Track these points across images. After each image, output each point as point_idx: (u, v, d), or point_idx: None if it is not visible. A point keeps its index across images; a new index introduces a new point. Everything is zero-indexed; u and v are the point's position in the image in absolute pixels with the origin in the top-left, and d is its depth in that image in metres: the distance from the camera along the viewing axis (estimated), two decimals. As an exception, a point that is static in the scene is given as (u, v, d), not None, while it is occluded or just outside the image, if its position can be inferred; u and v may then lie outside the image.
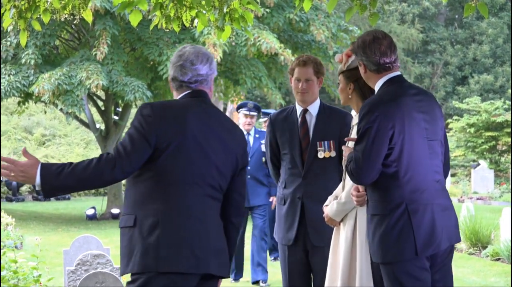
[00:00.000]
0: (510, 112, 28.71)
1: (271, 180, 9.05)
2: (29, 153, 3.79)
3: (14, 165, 3.68)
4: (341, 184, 4.96)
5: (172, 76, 3.95)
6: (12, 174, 3.67)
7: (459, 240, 4.27)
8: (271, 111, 10.18)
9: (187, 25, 6.05)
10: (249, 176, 9.21)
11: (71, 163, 3.68)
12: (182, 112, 3.81)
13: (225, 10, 5.94)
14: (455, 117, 30.83)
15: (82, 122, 20.15)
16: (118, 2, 5.83)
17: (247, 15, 6.06)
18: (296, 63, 5.58)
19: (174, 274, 3.66)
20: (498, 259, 10.95)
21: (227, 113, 34.57)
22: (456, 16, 46.07)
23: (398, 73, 4.21)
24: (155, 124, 3.73)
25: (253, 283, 9.39)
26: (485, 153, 29.35)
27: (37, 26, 6.13)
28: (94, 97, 19.77)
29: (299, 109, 5.64)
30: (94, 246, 7.32)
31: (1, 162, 3.67)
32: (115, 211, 18.60)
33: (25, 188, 25.32)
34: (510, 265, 10.31)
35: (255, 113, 9.49)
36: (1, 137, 27.69)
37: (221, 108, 37.34)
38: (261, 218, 9.39)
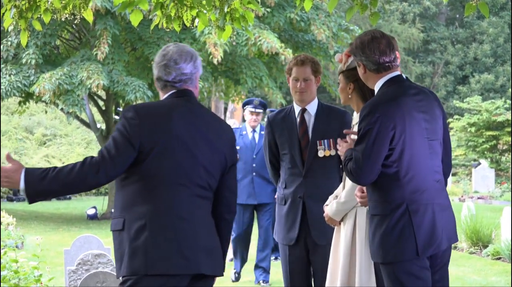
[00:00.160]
0: (511, 111, 28.71)
1: None
2: (12, 158, 3.79)
3: None
4: (341, 184, 4.96)
5: (157, 76, 3.92)
6: None
7: (457, 240, 4.28)
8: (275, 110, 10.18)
9: (188, 24, 6.05)
10: (254, 173, 9.19)
11: (55, 168, 3.66)
12: (167, 113, 3.78)
13: (225, 9, 5.94)
14: (456, 117, 30.82)
15: (83, 122, 20.15)
16: (119, 2, 5.83)
17: (248, 14, 6.06)
18: (293, 63, 5.57)
19: (163, 276, 3.64)
20: (499, 258, 10.95)
21: (228, 113, 34.59)
22: (457, 16, 46.06)
23: (397, 72, 4.20)
24: (139, 127, 3.71)
25: (256, 283, 9.38)
26: (485, 152, 29.35)
27: (37, 26, 6.13)
28: (95, 97, 19.77)
29: (297, 108, 5.63)
30: (95, 246, 7.33)
31: None
32: (116, 210, 18.58)
33: (25, 187, 25.27)
34: (510, 264, 10.31)
35: (261, 110, 9.44)
36: (2, 137, 27.71)
37: (221, 107, 37.39)
38: (267, 218, 9.35)
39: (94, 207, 19.03)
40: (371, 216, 4.13)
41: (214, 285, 4.00)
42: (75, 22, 6.93)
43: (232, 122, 11.08)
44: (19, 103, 19.95)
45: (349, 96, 4.78)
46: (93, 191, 26.13)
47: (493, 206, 20.00)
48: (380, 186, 4.05)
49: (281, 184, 5.66)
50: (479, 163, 28.41)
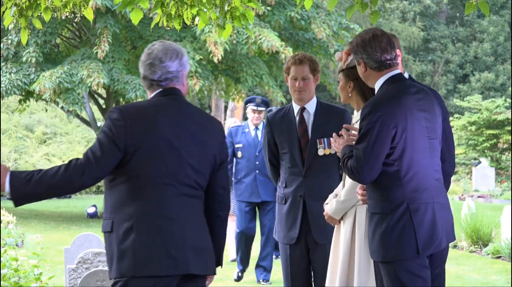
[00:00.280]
0: (511, 110, 28.71)
1: None
2: None
3: None
4: (341, 182, 4.96)
5: (143, 75, 3.89)
6: None
7: (455, 239, 4.29)
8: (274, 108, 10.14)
9: (188, 23, 6.05)
10: (257, 171, 9.16)
11: (40, 171, 3.65)
12: (152, 113, 3.76)
13: (226, 8, 5.94)
14: (456, 115, 30.83)
15: (83, 120, 20.15)
16: (119, 0, 5.83)
17: (248, 13, 6.06)
18: (291, 62, 5.56)
19: (152, 277, 3.63)
20: (499, 257, 10.96)
21: (228, 111, 34.59)
22: (457, 14, 46.06)
23: (398, 70, 4.20)
24: (124, 128, 3.69)
25: (258, 282, 9.37)
26: (486, 151, 29.36)
27: (38, 24, 6.13)
28: (95, 95, 19.76)
29: (296, 107, 5.63)
30: (95, 244, 7.32)
31: None
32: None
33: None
34: (511, 263, 10.31)
35: (263, 108, 9.39)
36: (2, 135, 27.71)
37: (222, 106, 37.38)
38: (270, 217, 9.30)
39: (94, 206, 19.03)
40: (370, 214, 4.13)
41: (215, 285, 3.98)
42: (76, 20, 6.94)
43: (233, 121, 11.05)
44: (19, 101, 19.95)
45: (349, 95, 4.77)
46: (93, 189, 26.13)
47: (493, 205, 20.00)
48: (380, 184, 4.05)
49: (281, 183, 5.65)
50: (479, 162, 28.41)
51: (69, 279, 6.37)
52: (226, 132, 10.42)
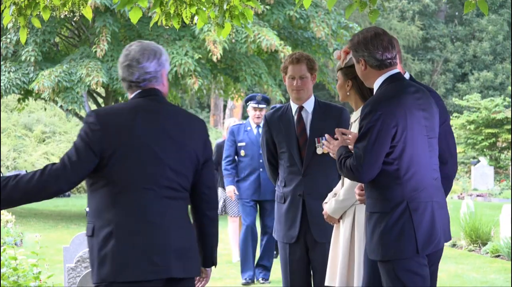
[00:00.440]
0: (510, 109, 28.73)
1: None
2: None
3: None
4: (340, 181, 4.96)
5: (121, 77, 3.84)
6: None
7: (450, 238, 4.30)
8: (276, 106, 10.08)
9: (187, 22, 6.05)
10: (261, 169, 9.11)
11: (16, 176, 3.62)
12: (130, 116, 3.70)
13: (225, 7, 5.94)
14: (455, 114, 30.85)
15: (82, 119, 20.15)
16: (118, -1, 5.83)
17: (247, 12, 6.06)
18: (289, 61, 5.56)
19: (133, 283, 3.59)
20: (498, 256, 10.96)
21: (227, 110, 34.59)
22: (456, 13, 46.07)
23: (397, 70, 4.20)
24: (100, 132, 3.64)
25: (257, 280, 9.34)
26: (485, 150, 29.37)
27: (37, 23, 6.13)
28: (94, 94, 19.76)
29: (294, 106, 5.63)
30: (94, 243, 7.30)
31: None
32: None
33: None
34: (510, 262, 10.32)
35: (264, 106, 9.32)
36: (1, 134, 27.70)
37: (221, 105, 37.38)
38: (273, 218, 9.24)
39: (93, 205, 19.00)
40: (369, 213, 4.12)
41: (215, 285, 3.96)
42: (74, 19, 6.93)
43: (233, 120, 11.02)
44: (18, 100, 19.95)
45: (347, 93, 4.78)
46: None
47: (492, 204, 20.01)
48: (379, 183, 4.05)
49: (280, 182, 5.65)
50: (478, 161, 28.41)
51: (68, 278, 6.37)
52: (227, 131, 10.42)
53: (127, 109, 3.74)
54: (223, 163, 9.46)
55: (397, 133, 4.00)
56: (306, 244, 5.51)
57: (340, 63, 4.78)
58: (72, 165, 3.62)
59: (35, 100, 20.26)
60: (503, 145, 29.55)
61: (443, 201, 4.19)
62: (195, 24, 6.22)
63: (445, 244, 4.27)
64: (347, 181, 4.78)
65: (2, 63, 17.13)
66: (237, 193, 9.35)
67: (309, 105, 5.61)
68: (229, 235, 10.88)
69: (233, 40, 17.12)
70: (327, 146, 4.31)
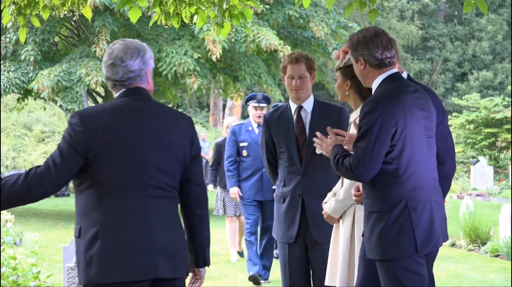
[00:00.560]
0: (510, 108, 28.74)
1: None
2: None
3: None
4: (339, 181, 4.96)
5: (106, 76, 3.80)
6: None
7: (447, 239, 4.30)
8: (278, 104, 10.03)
9: (187, 21, 6.05)
10: (264, 170, 9.08)
11: (0, 179, 3.60)
12: (114, 116, 3.66)
13: (224, 6, 5.94)
14: (454, 114, 30.85)
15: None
16: (118, -1, 5.83)
17: (247, 11, 6.06)
18: (288, 61, 5.56)
19: (119, 284, 3.57)
20: (497, 256, 10.96)
21: (227, 109, 34.60)
22: (456, 13, 46.08)
23: (395, 70, 4.21)
24: (84, 134, 3.60)
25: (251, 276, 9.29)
26: (484, 149, 29.38)
27: (36, 23, 6.13)
28: (94, 94, 19.77)
29: (293, 106, 5.63)
30: (94, 243, 7.29)
31: None
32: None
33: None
34: (509, 262, 10.32)
35: (265, 105, 9.25)
36: (1, 134, 27.70)
37: (220, 104, 37.39)
38: (272, 217, 9.20)
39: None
40: (368, 213, 4.12)
41: (215, 285, 3.94)
42: (74, 19, 6.92)
43: (232, 119, 10.99)
44: (18, 99, 19.95)
45: (346, 93, 4.78)
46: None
47: (492, 203, 20.00)
48: (378, 183, 4.04)
49: (280, 182, 5.65)
50: (478, 160, 28.42)
51: (68, 278, 6.36)
52: (227, 130, 10.40)
53: (111, 109, 3.70)
54: (225, 163, 9.39)
55: (397, 132, 4.00)
56: (305, 244, 5.51)
57: (339, 63, 4.79)
58: (56, 167, 3.59)
59: (35, 99, 20.26)
60: (502, 145, 29.57)
61: (441, 201, 4.20)
62: (195, 23, 6.22)
63: (445, 243, 4.28)
64: (346, 180, 4.78)
65: (1, 62, 17.14)
66: (241, 194, 9.30)
67: (309, 104, 5.61)
68: (227, 235, 10.87)
69: (233, 40, 17.12)
70: (319, 144, 4.30)
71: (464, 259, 10.80)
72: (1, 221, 11.37)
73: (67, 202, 22.65)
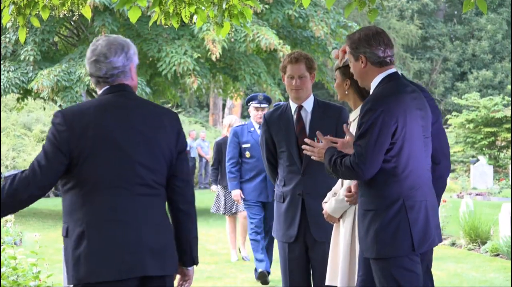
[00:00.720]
0: (510, 107, 28.74)
1: None
2: None
3: None
4: (339, 181, 4.96)
5: (89, 73, 3.76)
6: None
7: (441, 240, 4.31)
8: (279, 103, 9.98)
9: (186, 21, 6.05)
10: None
11: None
12: (98, 113, 3.62)
13: (224, 6, 5.94)
14: (454, 113, 30.84)
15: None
16: (117, -1, 5.83)
17: (246, 11, 6.06)
18: (288, 61, 5.56)
19: (108, 283, 3.55)
20: (497, 255, 10.96)
21: (226, 109, 34.57)
22: (455, 12, 46.08)
23: (395, 69, 4.22)
24: (67, 133, 3.56)
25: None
26: (484, 149, 29.37)
27: (36, 23, 6.13)
28: (93, 93, 19.75)
29: (293, 106, 5.63)
30: (94, 243, 7.29)
31: None
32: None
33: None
34: (509, 261, 10.32)
35: (266, 105, 9.20)
36: (0, 134, 27.70)
37: (220, 104, 37.36)
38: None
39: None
40: (363, 211, 4.11)
41: (215, 285, 3.92)
42: (73, 18, 6.92)
43: (234, 118, 10.95)
44: (18, 99, 19.95)
45: (346, 92, 4.78)
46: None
47: (492, 203, 20.00)
48: (376, 181, 4.05)
49: (280, 181, 5.65)
50: (478, 160, 28.40)
51: (68, 278, 6.36)
52: (228, 130, 10.37)
53: (95, 107, 3.65)
54: (227, 165, 9.33)
55: (397, 130, 4.01)
56: (305, 243, 5.51)
57: (339, 62, 4.79)
58: (42, 169, 3.56)
59: (34, 99, 20.27)
60: (502, 144, 29.56)
61: (435, 202, 4.21)
62: (194, 23, 6.22)
63: (444, 243, 4.29)
64: (346, 180, 4.78)
65: (1, 62, 17.14)
66: (243, 196, 9.27)
67: (308, 104, 5.61)
68: (227, 234, 10.86)
69: (232, 39, 17.12)
70: (310, 150, 4.31)
71: (464, 259, 10.80)
72: (1, 221, 11.37)
73: (67, 202, 22.63)
